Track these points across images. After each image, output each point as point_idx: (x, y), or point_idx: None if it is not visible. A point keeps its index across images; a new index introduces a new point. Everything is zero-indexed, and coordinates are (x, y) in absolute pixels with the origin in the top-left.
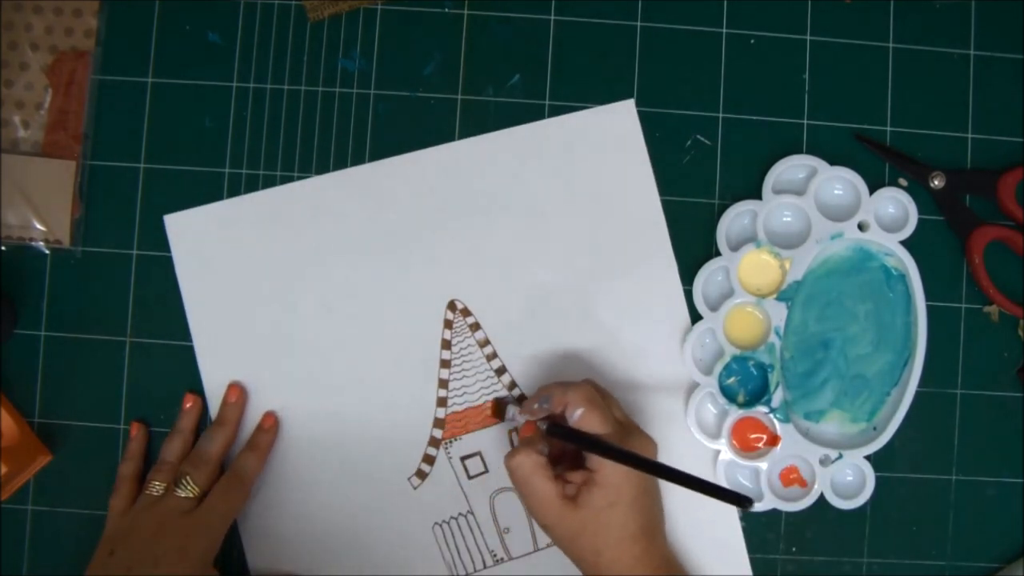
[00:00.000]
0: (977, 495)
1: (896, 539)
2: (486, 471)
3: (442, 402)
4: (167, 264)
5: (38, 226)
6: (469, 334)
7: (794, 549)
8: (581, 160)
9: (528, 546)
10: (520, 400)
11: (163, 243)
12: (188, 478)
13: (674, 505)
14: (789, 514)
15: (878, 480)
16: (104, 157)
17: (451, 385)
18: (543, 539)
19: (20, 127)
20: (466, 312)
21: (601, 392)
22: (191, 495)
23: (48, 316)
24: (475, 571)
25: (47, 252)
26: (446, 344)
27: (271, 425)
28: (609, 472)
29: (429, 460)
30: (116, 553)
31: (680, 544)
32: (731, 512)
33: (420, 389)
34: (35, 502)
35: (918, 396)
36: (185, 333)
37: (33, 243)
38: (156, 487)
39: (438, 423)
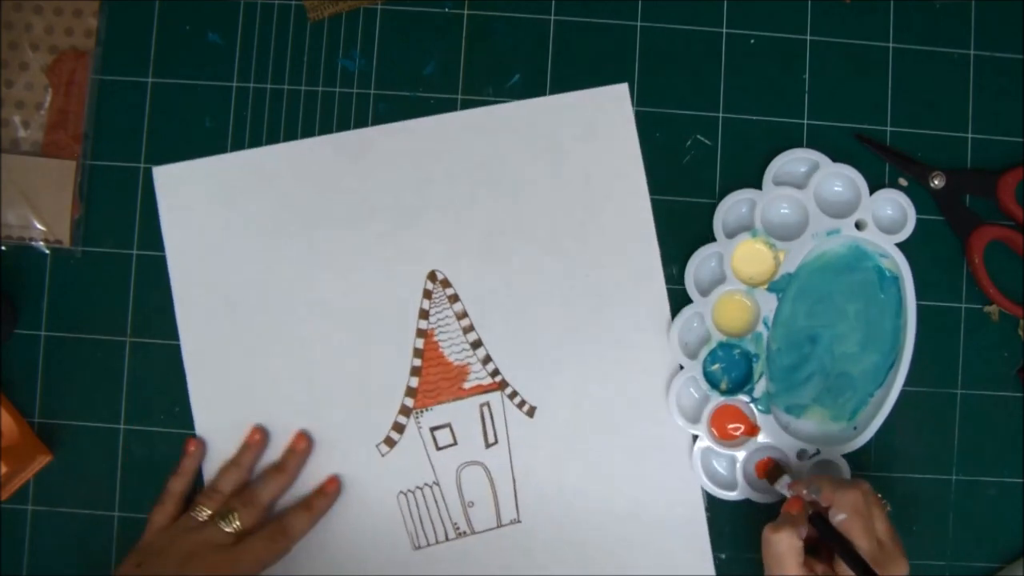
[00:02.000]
0: (977, 495)
1: None
2: (455, 443)
3: (416, 371)
4: (167, 264)
5: (38, 226)
6: (447, 305)
7: None
8: (571, 140)
9: (491, 522)
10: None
11: (162, 244)
12: (236, 514)
13: (643, 490)
14: None
15: (878, 480)
16: (104, 157)
17: (426, 355)
18: (506, 515)
19: (20, 127)
20: (446, 283)
21: (871, 500)
22: (233, 531)
23: (48, 316)
24: (436, 542)
25: (47, 252)
26: (424, 314)
27: (333, 490)
28: None
29: (399, 428)
30: (144, 567)
31: (645, 532)
32: (698, 505)
33: (395, 357)
34: (35, 502)
35: (917, 396)
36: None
37: (33, 243)
38: (203, 512)
39: (410, 392)
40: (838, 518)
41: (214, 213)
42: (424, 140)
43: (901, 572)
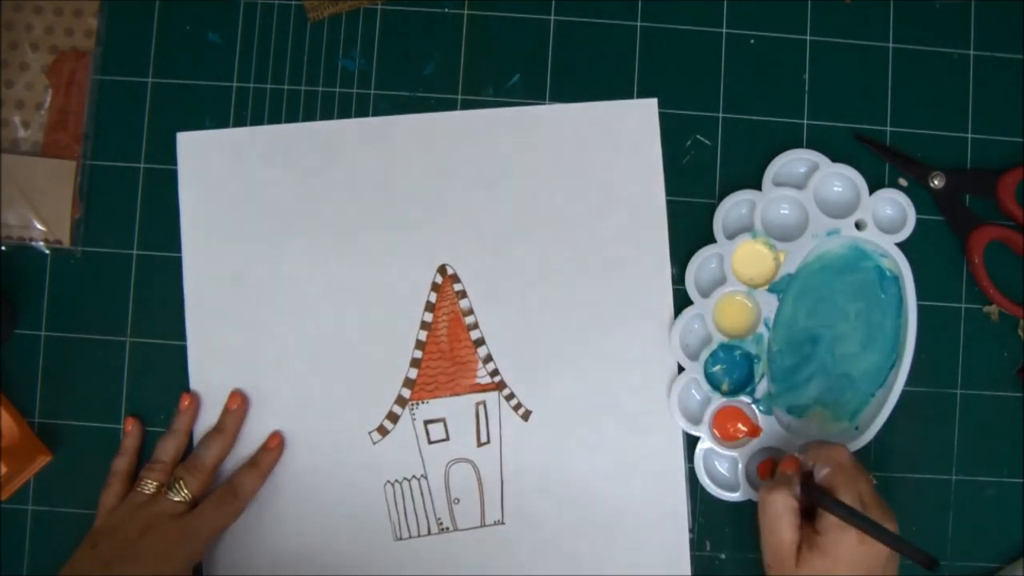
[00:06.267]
0: (977, 495)
1: None
2: (447, 439)
3: (416, 363)
4: (167, 264)
5: (38, 226)
6: (454, 300)
7: None
8: (596, 148)
9: (475, 521)
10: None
11: (163, 243)
12: (182, 482)
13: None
14: None
15: (879, 480)
16: (104, 157)
17: (428, 348)
18: (491, 516)
19: (20, 127)
20: (455, 279)
21: (855, 463)
22: (183, 500)
23: (48, 316)
24: (419, 535)
25: (47, 252)
26: (430, 307)
27: (276, 445)
28: (832, 540)
29: (393, 418)
30: (99, 547)
31: (626, 543)
32: (682, 518)
33: (397, 346)
34: (35, 502)
35: (917, 396)
36: (185, 334)
37: (33, 243)
38: (148, 485)
39: (408, 383)
40: (822, 473)
41: (232, 184)
42: (449, 134)
43: (888, 523)
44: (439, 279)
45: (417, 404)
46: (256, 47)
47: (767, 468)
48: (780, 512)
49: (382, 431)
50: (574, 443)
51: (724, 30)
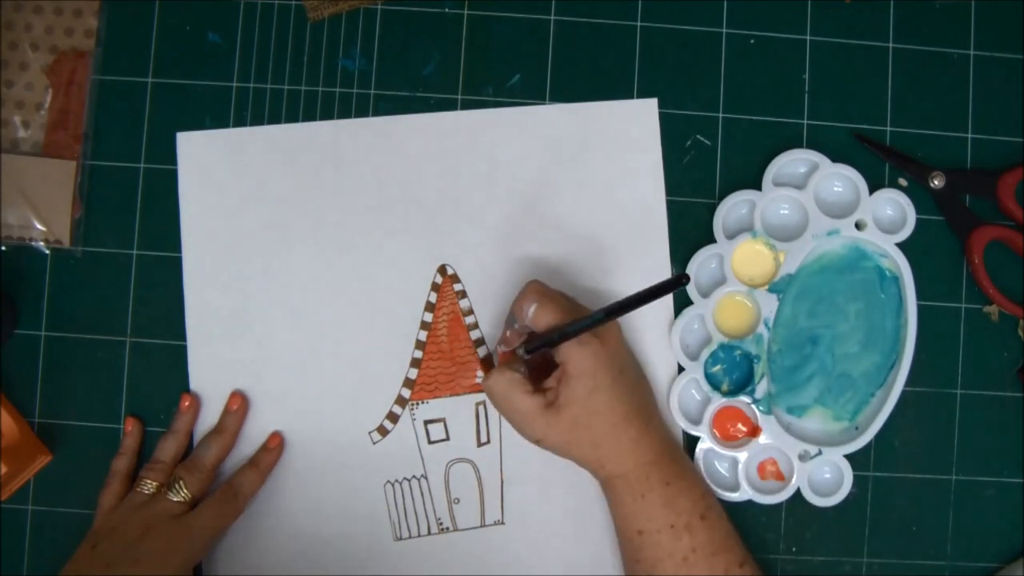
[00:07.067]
0: (977, 495)
1: (896, 539)
2: (447, 439)
3: (416, 363)
4: (167, 264)
5: (38, 226)
6: (454, 300)
7: (794, 549)
8: (597, 148)
9: (475, 521)
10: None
11: (163, 243)
12: (181, 482)
13: None
14: (789, 514)
15: (879, 480)
16: (104, 157)
17: (428, 348)
18: (491, 515)
19: (20, 127)
20: (455, 279)
21: (546, 289)
22: (182, 500)
23: (48, 316)
24: (418, 535)
25: (47, 252)
26: (430, 307)
27: (276, 445)
28: (579, 360)
29: (393, 418)
30: (99, 548)
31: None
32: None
33: (397, 347)
34: (35, 502)
35: (917, 396)
36: (185, 334)
37: (33, 243)
38: (147, 485)
39: (408, 383)
40: (530, 311)
41: (232, 184)
42: (449, 134)
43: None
44: (439, 279)
45: (417, 404)
46: (256, 47)
47: (767, 468)
48: (507, 388)
49: (382, 431)
50: None
51: (724, 30)
